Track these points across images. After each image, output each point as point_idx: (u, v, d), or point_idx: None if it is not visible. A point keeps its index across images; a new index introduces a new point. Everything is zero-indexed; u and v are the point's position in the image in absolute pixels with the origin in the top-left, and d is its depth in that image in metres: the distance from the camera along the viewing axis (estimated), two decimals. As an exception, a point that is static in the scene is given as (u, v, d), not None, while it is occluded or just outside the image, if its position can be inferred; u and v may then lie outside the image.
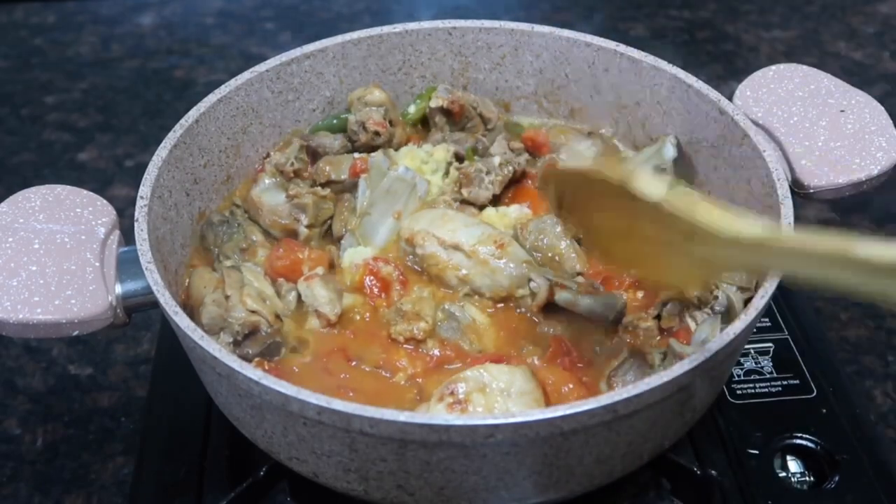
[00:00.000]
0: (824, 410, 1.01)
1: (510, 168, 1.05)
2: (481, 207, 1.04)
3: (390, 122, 1.12)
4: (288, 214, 1.03)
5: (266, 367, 0.88)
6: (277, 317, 0.94)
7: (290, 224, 1.03)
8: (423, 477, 0.77)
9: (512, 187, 1.07)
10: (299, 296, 0.95)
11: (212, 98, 1.05)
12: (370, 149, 1.10)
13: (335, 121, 1.15)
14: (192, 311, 0.95)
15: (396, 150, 1.11)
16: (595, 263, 1.00)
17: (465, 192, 1.03)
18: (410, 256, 0.98)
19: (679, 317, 0.93)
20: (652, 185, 0.74)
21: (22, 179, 1.53)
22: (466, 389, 0.82)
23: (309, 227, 1.03)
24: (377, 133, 1.11)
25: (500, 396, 0.82)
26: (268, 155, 1.11)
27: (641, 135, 1.14)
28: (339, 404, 0.72)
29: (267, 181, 1.06)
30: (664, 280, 0.85)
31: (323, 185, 1.06)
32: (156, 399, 1.07)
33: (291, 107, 1.14)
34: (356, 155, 1.08)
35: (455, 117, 1.14)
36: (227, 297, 0.93)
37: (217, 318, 0.91)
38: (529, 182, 1.07)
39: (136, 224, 0.89)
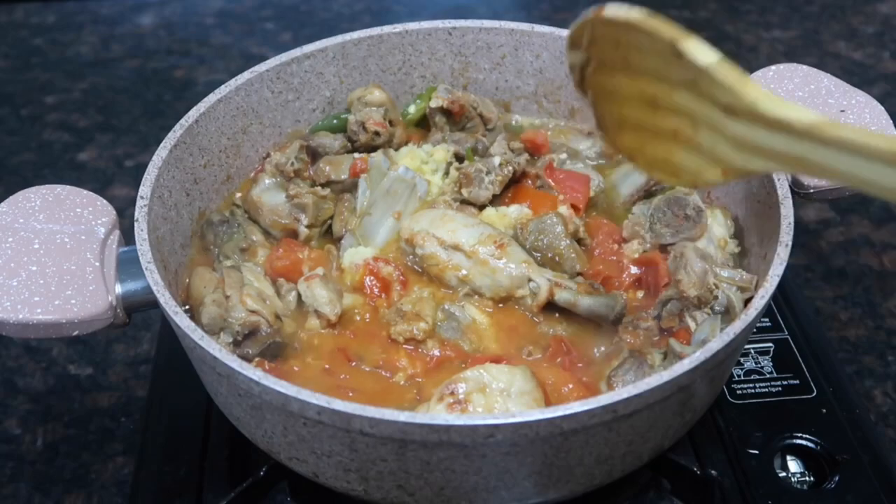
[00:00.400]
0: (824, 410, 1.01)
1: (510, 168, 1.05)
2: (481, 207, 1.04)
3: (390, 122, 1.12)
4: (288, 214, 1.03)
5: (266, 367, 0.88)
6: (277, 317, 0.94)
7: (290, 224, 1.03)
8: (423, 477, 0.77)
9: (512, 187, 1.07)
10: (299, 296, 0.95)
11: (212, 98, 1.05)
12: (370, 149, 1.10)
13: (335, 121, 1.15)
14: (192, 311, 0.95)
15: (396, 150, 1.11)
16: (595, 263, 1.00)
17: (465, 192, 1.03)
18: (410, 256, 0.98)
19: (679, 317, 0.93)
20: (704, 49, 0.71)
21: (22, 179, 1.53)
22: (466, 389, 0.82)
23: (309, 227, 1.03)
24: (377, 133, 1.11)
25: (500, 396, 0.82)
26: (268, 155, 1.11)
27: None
28: (339, 404, 0.72)
29: (267, 181, 1.06)
30: (671, 173, 0.81)
31: (323, 185, 1.06)
32: (156, 399, 1.07)
33: (291, 107, 1.14)
34: (356, 155, 1.08)
35: (455, 117, 1.14)
36: (227, 297, 0.93)
37: (217, 318, 0.91)
38: (529, 182, 1.07)
39: (136, 224, 0.89)
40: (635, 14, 0.75)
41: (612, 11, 0.76)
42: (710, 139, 0.74)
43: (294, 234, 1.03)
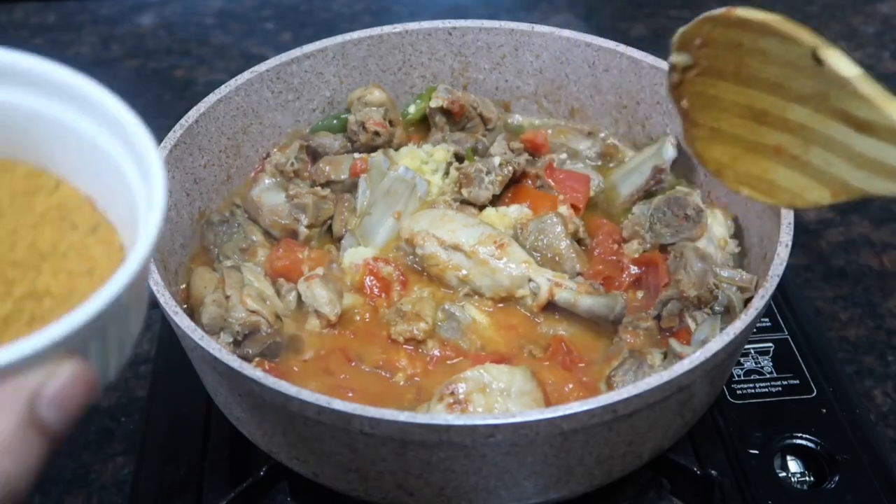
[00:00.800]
0: (824, 410, 1.01)
1: (510, 168, 1.05)
2: (481, 207, 1.04)
3: (390, 122, 1.12)
4: (288, 214, 1.03)
5: (266, 367, 0.88)
6: (277, 317, 0.94)
7: (290, 224, 1.03)
8: (423, 477, 0.77)
9: (512, 187, 1.07)
10: (299, 296, 0.95)
11: (212, 98, 1.05)
12: (370, 149, 1.10)
13: (335, 121, 1.15)
14: (192, 311, 0.95)
15: (396, 150, 1.11)
16: (595, 263, 1.00)
17: (465, 192, 1.03)
18: (410, 256, 0.98)
19: (679, 317, 0.93)
20: (847, 60, 0.67)
21: (22, 179, 1.53)
22: (466, 389, 0.82)
23: (309, 226, 1.03)
24: (377, 133, 1.11)
25: (500, 396, 0.82)
26: (268, 155, 1.11)
27: (641, 135, 1.14)
28: (339, 404, 0.72)
29: (267, 181, 1.06)
30: (764, 191, 0.77)
31: (323, 185, 1.06)
32: (156, 399, 1.07)
33: (291, 107, 1.14)
34: (356, 155, 1.08)
35: (455, 117, 1.14)
36: (227, 297, 0.93)
37: (217, 318, 0.91)
38: (529, 182, 1.07)
39: (136, 224, 0.89)
40: (772, 17, 0.70)
41: (746, 12, 0.71)
42: (823, 158, 0.71)
43: (294, 234, 1.03)
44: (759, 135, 0.75)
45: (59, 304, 0.51)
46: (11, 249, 0.52)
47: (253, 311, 0.92)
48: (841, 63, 0.66)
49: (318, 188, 1.05)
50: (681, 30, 0.74)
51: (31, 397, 0.45)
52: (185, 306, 0.96)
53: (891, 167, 0.65)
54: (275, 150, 1.11)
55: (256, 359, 0.90)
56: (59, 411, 0.47)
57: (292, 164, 1.07)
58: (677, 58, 0.76)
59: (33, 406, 0.44)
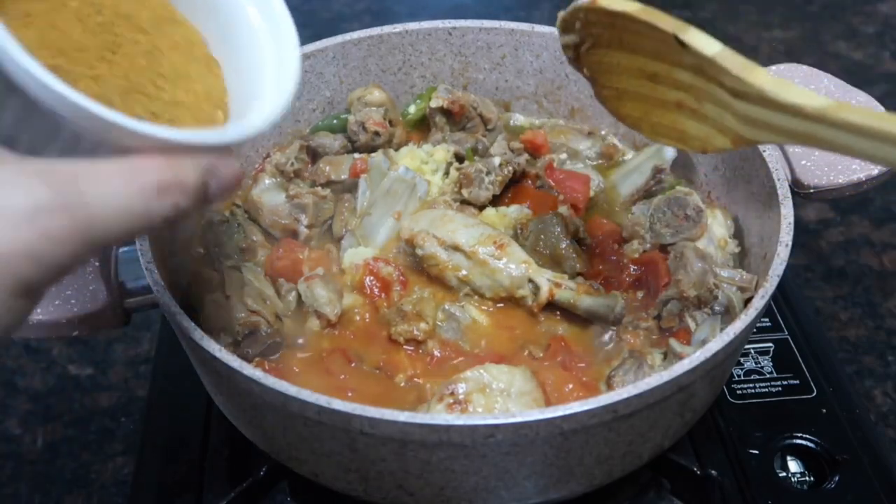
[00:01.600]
0: (824, 410, 1.01)
1: (510, 168, 1.05)
2: (481, 208, 1.03)
3: (390, 122, 1.12)
4: (288, 214, 1.03)
5: (266, 367, 0.88)
6: (277, 317, 0.94)
7: (290, 224, 1.03)
8: (423, 477, 0.77)
9: (512, 187, 1.07)
10: (299, 296, 0.95)
11: (212, 98, 1.04)
12: (370, 149, 1.10)
13: (335, 121, 1.15)
14: (192, 311, 0.95)
15: (396, 150, 1.11)
16: (595, 263, 1.00)
17: (465, 192, 1.03)
18: (410, 257, 0.98)
19: (679, 317, 0.93)
20: (706, 39, 0.73)
21: (22, 179, 1.53)
22: (466, 389, 0.82)
23: (309, 226, 1.03)
24: (377, 133, 1.11)
25: (500, 396, 0.82)
26: (268, 155, 1.11)
27: (641, 135, 1.14)
28: (339, 404, 0.72)
29: (267, 181, 1.06)
30: (677, 139, 0.83)
31: (323, 185, 1.06)
32: (156, 399, 1.07)
33: (291, 107, 1.13)
34: (356, 155, 1.08)
35: (455, 117, 1.14)
36: (227, 298, 0.93)
37: (217, 318, 0.91)
38: (529, 182, 1.07)
39: (136, 224, 0.89)
40: (632, 6, 0.76)
41: (608, 2, 0.77)
42: (716, 112, 0.76)
43: (294, 234, 1.03)
44: (659, 92, 0.80)
45: (192, 117, 0.63)
46: (159, 63, 0.62)
47: (253, 312, 0.92)
48: (702, 43, 0.72)
49: (318, 188, 1.05)
50: (560, 15, 0.81)
51: (207, 169, 0.57)
52: (186, 307, 0.95)
53: (769, 124, 0.71)
54: (275, 150, 1.11)
55: (256, 359, 0.90)
56: (220, 188, 0.58)
57: (292, 164, 1.07)
58: (564, 38, 0.83)
59: (206, 176, 0.56)
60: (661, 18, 0.75)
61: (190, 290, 0.97)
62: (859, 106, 0.67)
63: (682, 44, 0.73)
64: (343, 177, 1.07)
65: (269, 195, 1.04)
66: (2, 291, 0.49)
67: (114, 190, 0.51)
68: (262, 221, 1.04)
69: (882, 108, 1.03)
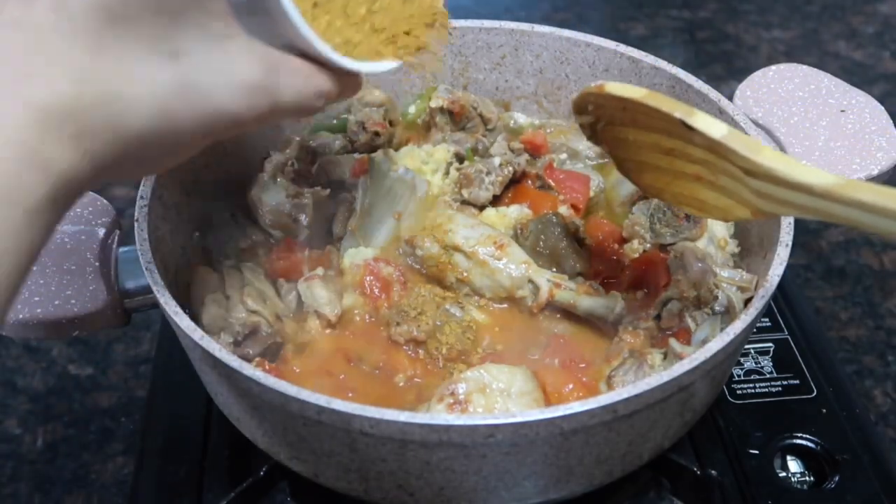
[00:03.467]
0: (824, 410, 1.01)
1: (510, 168, 1.05)
2: (481, 208, 1.04)
3: (390, 123, 1.12)
4: (288, 214, 1.03)
5: (266, 367, 0.88)
6: (278, 317, 0.94)
7: (290, 224, 1.03)
8: (424, 477, 0.77)
9: (512, 187, 1.07)
10: (299, 296, 0.95)
11: (212, 98, 1.04)
12: (370, 149, 1.10)
13: (335, 121, 1.15)
14: (192, 311, 0.95)
15: (396, 150, 1.11)
16: (595, 263, 1.00)
17: (465, 192, 1.03)
18: (410, 257, 0.98)
19: (679, 317, 0.93)
20: (712, 122, 0.75)
21: (22, 179, 1.53)
22: (466, 389, 0.82)
23: (309, 226, 1.02)
24: (377, 133, 1.11)
25: (500, 396, 0.82)
26: (268, 155, 1.10)
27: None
28: (339, 404, 0.72)
29: (267, 181, 1.06)
30: (699, 208, 0.85)
31: (323, 186, 1.06)
32: (156, 399, 1.07)
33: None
34: (356, 155, 1.08)
35: (455, 117, 1.14)
36: (227, 298, 0.93)
37: (217, 318, 0.91)
38: (529, 182, 1.07)
39: (136, 224, 0.89)
40: (637, 93, 0.78)
41: (614, 88, 0.79)
42: (732, 185, 0.77)
43: (294, 234, 1.03)
44: (677, 166, 0.82)
45: (366, 45, 0.71)
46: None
47: (253, 312, 0.92)
48: (708, 127, 0.74)
49: (318, 188, 1.05)
50: (572, 98, 0.84)
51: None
52: (186, 307, 0.95)
53: (781, 199, 0.72)
54: (275, 150, 1.11)
55: (256, 359, 0.90)
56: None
57: (292, 164, 1.07)
58: (579, 119, 0.85)
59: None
60: (666, 104, 0.76)
61: (190, 290, 0.97)
62: (869, 183, 0.67)
63: (689, 127, 0.75)
64: (343, 177, 1.07)
65: (269, 195, 1.04)
66: (199, 136, 0.60)
67: (297, 86, 0.63)
68: (262, 221, 1.04)
69: (882, 108, 1.03)
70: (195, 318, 0.91)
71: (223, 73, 0.59)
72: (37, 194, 0.52)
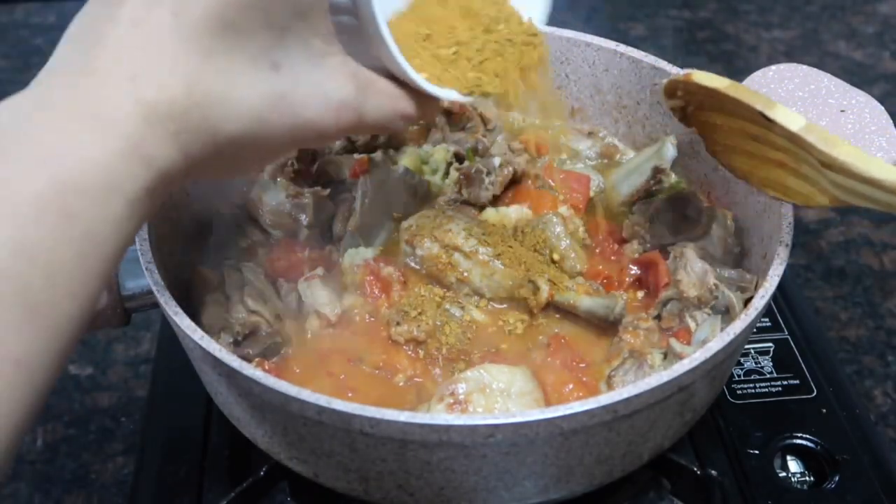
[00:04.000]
0: (824, 410, 1.01)
1: (510, 168, 1.05)
2: (481, 208, 1.04)
3: (390, 122, 1.12)
4: (288, 214, 1.03)
5: (266, 367, 0.88)
6: (278, 317, 0.94)
7: (290, 224, 1.03)
8: (424, 477, 0.77)
9: (512, 187, 1.07)
10: (299, 296, 0.95)
11: (212, 98, 1.04)
12: (370, 149, 1.10)
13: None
14: (192, 311, 0.95)
15: (396, 150, 1.11)
16: (595, 263, 1.00)
17: (465, 192, 1.03)
18: (410, 257, 0.98)
19: (679, 317, 0.93)
20: (791, 115, 0.78)
21: (22, 179, 1.53)
22: (466, 389, 0.82)
23: (309, 226, 1.02)
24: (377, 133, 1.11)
25: (500, 396, 0.82)
26: None
27: (641, 135, 1.14)
28: (339, 404, 0.72)
29: (267, 181, 1.06)
30: (783, 192, 0.88)
31: (323, 186, 1.06)
32: (156, 399, 1.07)
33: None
34: (356, 155, 1.08)
35: (455, 117, 1.14)
36: (227, 298, 0.93)
37: (217, 318, 0.91)
38: (529, 182, 1.07)
39: (136, 224, 0.89)
40: (721, 83, 0.81)
41: (700, 77, 0.83)
42: (813, 174, 0.81)
43: (294, 234, 1.03)
44: (762, 151, 0.85)
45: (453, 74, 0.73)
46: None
47: (253, 312, 0.92)
48: (786, 119, 0.78)
49: (319, 188, 1.05)
50: (663, 83, 0.87)
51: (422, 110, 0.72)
52: (186, 306, 0.95)
53: (855, 191, 0.76)
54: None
55: (256, 359, 0.90)
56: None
57: (292, 164, 1.07)
58: (669, 103, 0.89)
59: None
60: (747, 95, 0.80)
61: (190, 290, 0.97)
62: None
63: (769, 119, 0.78)
64: (343, 177, 1.07)
65: (269, 195, 1.04)
66: (288, 143, 0.64)
67: (383, 107, 0.67)
68: (262, 221, 1.04)
69: (882, 108, 1.03)
70: (195, 318, 0.91)
71: (318, 87, 0.62)
72: (137, 186, 0.55)
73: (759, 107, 0.79)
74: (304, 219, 1.02)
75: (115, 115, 0.54)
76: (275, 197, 1.04)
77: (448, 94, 0.71)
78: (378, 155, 1.06)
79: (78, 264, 0.52)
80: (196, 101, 0.57)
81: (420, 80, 0.68)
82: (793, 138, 0.78)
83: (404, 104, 0.68)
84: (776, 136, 0.81)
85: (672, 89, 0.87)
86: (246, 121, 0.59)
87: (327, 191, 1.05)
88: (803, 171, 0.82)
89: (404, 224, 1.00)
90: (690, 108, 0.89)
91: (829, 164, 0.77)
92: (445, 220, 0.97)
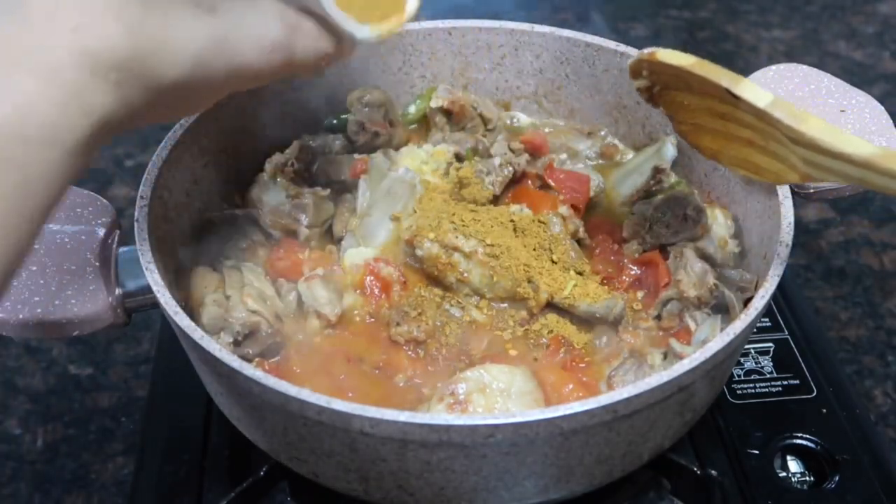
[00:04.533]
0: (824, 410, 1.01)
1: (510, 168, 1.05)
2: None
3: (390, 123, 1.12)
4: (288, 214, 1.03)
5: (266, 368, 0.88)
6: (278, 317, 0.94)
7: (290, 224, 1.03)
8: (424, 477, 0.77)
9: (512, 187, 1.07)
10: (300, 296, 0.95)
11: (212, 98, 1.04)
12: (370, 149, 1.10)
13: (335, 121, 1.15)
14: (192, 311, 0.95)
15: (396, 150, 1.11)
16: (595, 263, 1.00)
17: (465, 192, 1.03)
18: (410, 257, 0.98)
19: (679, 317, 0.93)
20: (757, 91, 0.77)
21: (22, 179, 1.53)
22: (466, 389, 0.83)
23: (309, 226, 1.03)
24: (377, 133, 1.11)
25: (500, 396, 0.82)
26: (268, 154, 1.10)
27: (641, 135, 1.14)
28: (339, 404, 0.72)
29: (267, 181, 1.06)
30: (754, 171, 0.88)
31: (323, 186, 1.06)
32: (156, 399, 1.07)
33: (292, 106, 1.14)
34: (356, 155, 1.08)
35: (455, 117, 1.14)
36: (227, 298, 0.93)
37: (217, 318, 0.91)
38: (529, 182, 1.07)
39: (136, 224, 0.89)
40: (686, 60, 0.80)
41: (665, 55, 0.82)
42: (781, 150, 0.80)
43: (294, 234, 1.03)
44: (730, 129, 0.84)
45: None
46: None
47: (253, 312, 0.92)
48: (753, 96, 0.76)
49: (318, 188, 1.05)
50: (628, 63, 0.87)
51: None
52: (186, 306, 0.95)
53: (824, 167, 0.75)
54: (274, 150, 1.11)
55: (256, 359, 0.90)
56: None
57: (292, 164, 1.07)
58: (636, 83, 0.88)
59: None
60: (713, 72, 0.79)
61: (190, 290, 0.97)
62: None
63: (734, 96, 0.77)
64: (343, 177, 1.07)
65: (268, 195, 1.04)
66: (225, 87, 0.65)
67: (308, 47, 0.68)
68: (262, 221, 1.04)
69: (882, 108, 1.03)
70: (195, 318, 0.91)
71: (253, 28, 0.63)
72: (76, 136, 0.55)
73: (724, 83, 0.78)
74: (304, 219, 1.02)
75: (56, 64, 0.54)
76: (275, 197, 1.04)
77: (363, 30, 0.72)
78: (378, 155, 1.06)
79: (8, 213, 0.52)
80: (138, 49, 0.57)
81: (338, 12, 0.69)
82: (760, 115, 0.77)
83: (325, 43, 0.69)
84: (743, 114, 0.80)
85: (637, 69, 0.87)
86: (186, 66, 0.60)
87: (327, 191, 1.05)
88: (772, 148, 0.81)
89: (405, 224, 1.00)
90: (657, 87, 0.88)
91: (797, 140, 0.76)
92: (445, 220, 0.97)
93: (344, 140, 1.12)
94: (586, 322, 0.94)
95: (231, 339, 0.90)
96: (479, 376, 0.83)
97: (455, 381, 0.83)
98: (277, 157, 1.08)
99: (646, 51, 0.84)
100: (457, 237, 0.95)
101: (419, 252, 0.96)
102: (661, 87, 0.88)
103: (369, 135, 1.10)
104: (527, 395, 0.83)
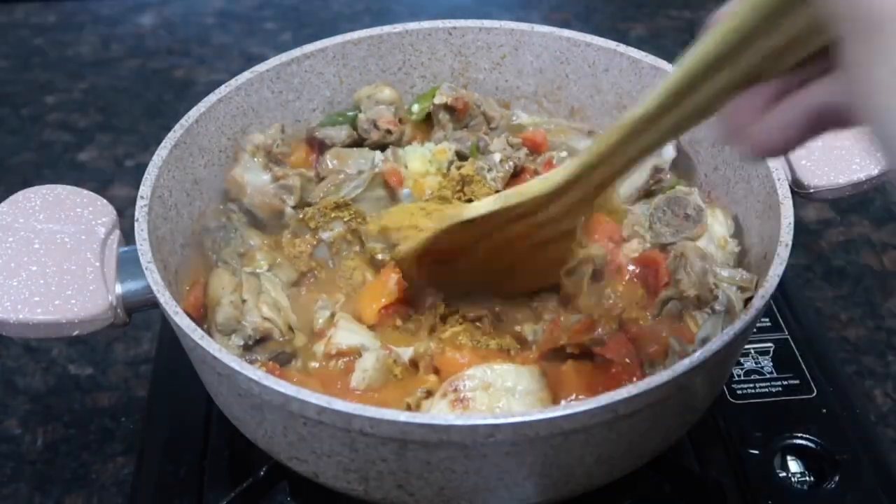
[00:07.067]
0: (824, 410, 1.01)
1: (511, 164, 1.05)
2: (482, 207, 1.03)
3: (400, 120, 1.12)
4: (274, 195, 1.02)
5: (277, 372, 0.88)
6: (290, 328, 0.94)
7: (276, 204, 1.02)
8: (424, 477, 0.77)
9: (511, 182, 1.07)
10: (331, 316, 0.94)
11: (212, 98, 1.04)
12: (381, 146, 1.10)
13: (340, 118, 1.14)
14: (205, 309, 0.94)
15: (403, 147, 1.11)
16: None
17: (467, 190, 1.03)
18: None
19: (679, 317, 0.93)
20: (481, 202, 0.84)
21: (22, 179, 1.53)
22: (470, 387, 0.82)
23: (295, 207, 1.02)
24: (389, 131, 1.11)
25: (504, 395, 0.82)
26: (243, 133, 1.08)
27: (641, 135, 1.14)
28: (339, 404, 0.72)
29: (248, 160, 1.04)
30: (551, 272, 0.92)
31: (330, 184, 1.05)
32: (156, 399, 1.07)
33: (291, 107, 1.14)
34: (378, 155, 1.08)
35: (459, 115, 1.14)
36: (243, 301, 0.93)
37: (231, 320, 0.91)
38: (528, 177, 1.07)
39: (136, 224, 0.89)
40: (417, 240, 0.89)
41: (399, 250, 0.93)
42: (553, 225, 0.87)
43: (280, 215, 1.02)
44: (516, 240, 0.89)
45: None
46: None
47: (267, 319, 0.91)
48: (483, 208, 0.86)
49: (303, 170, 1.05)
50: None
51: None
52: (200, 305, 0.95)
53: (575, 209, 0.85)
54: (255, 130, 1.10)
55: (268, 363, 0.89)
56: None
57: (277, 145, 1.06)
58: (414, 283, 0.94)
59: None
60: (440, 223, 0.87)
61: (207, 290, 0.96)
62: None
63: (469, 221, 0.85)
64: (350, 171, 1.06)
65: (251, 175, 1.03)
66: None
67: None
68: (246, 202, 1.03)
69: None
70: (208, 317, 0.91)
71: None
72: None
73: (457, 221, 0.83)
74: (290, 199, 1.02)
75: None
76: (258, 177, 1.03)
77: None
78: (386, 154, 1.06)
79: None
80: None
81: None
82: (502, 215, 0.82)
83: None
84: (507, 225, 0.84)
85: (405, 273, 0.92)
86: None
87: (312, 172, 1.05)
88: (544, 231, 0.86)
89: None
90: (427, 266, 0.91)
91: (542, 205, 0.82)
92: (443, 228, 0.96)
93: (350, 130, 1.11)
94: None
95: (242, 343, 0.90)
96: (483, 374, 0.83)
97: (459, 377, 0.83)
98: (258, 137, 1.06)
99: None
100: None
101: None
102: (428, 263, 0.90)
103: (381, 132, 1.10)
104: (532, 394, 0.83)
